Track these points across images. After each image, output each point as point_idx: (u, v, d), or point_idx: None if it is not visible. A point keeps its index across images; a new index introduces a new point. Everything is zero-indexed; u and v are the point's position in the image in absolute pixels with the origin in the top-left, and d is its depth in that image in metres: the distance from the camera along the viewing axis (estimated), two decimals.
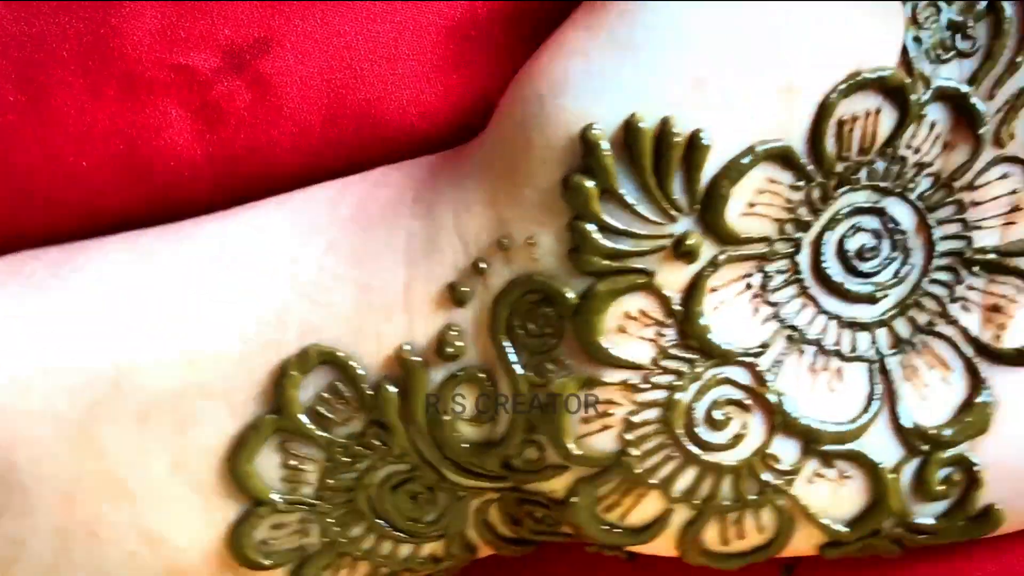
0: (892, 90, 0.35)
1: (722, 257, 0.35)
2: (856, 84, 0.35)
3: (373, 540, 0.38)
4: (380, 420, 0.37)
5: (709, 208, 0.34)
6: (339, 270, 0.37)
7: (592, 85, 0.34)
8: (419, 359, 0.36)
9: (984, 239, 0.38)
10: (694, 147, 0.34)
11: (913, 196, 0.37)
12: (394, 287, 0.36)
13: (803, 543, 0.38)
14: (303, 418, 0.36)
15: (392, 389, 0.36)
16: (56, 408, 0.36)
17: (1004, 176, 0.37)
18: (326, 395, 0.36)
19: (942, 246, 0.38)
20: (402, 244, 0.36)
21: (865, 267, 0.37)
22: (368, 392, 0.36)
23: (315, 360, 0.36)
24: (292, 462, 0.37)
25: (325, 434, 0.37)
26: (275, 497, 0.37)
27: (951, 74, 0.36)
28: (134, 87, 0.39)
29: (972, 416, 0.37)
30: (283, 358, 0.36)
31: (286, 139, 0.39)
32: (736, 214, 0.35)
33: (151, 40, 0.38)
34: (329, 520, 0.38)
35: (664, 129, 0.33)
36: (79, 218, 0.40)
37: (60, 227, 0.40)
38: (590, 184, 0.34)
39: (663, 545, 0.38)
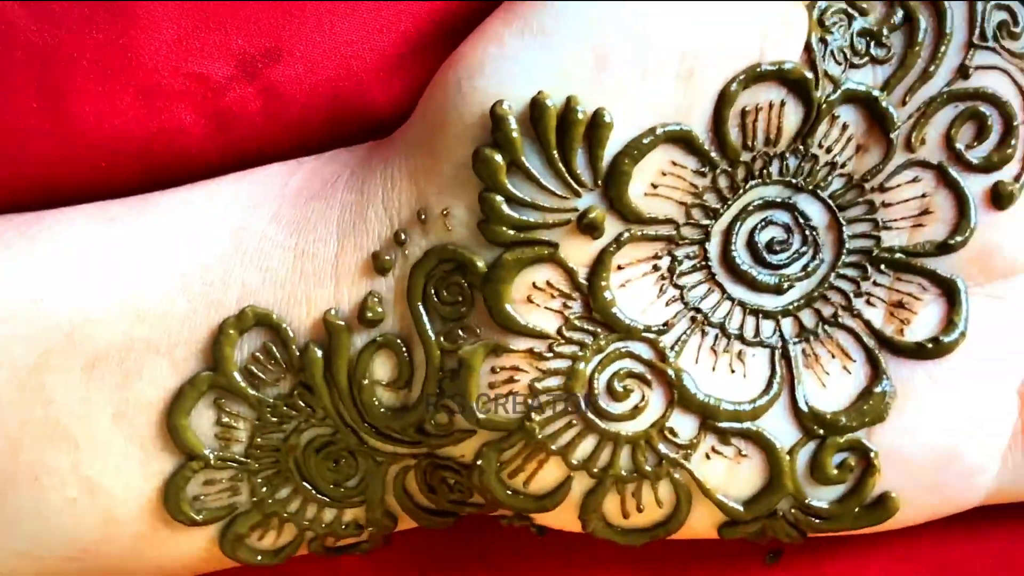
0: (794, 84, 0.36)
1: (626, 235, 0.36)
2: (756, 75, 0.36)
3: (299, 502, 0.40)
4: (306, 382, 0.38)
5: (611, 185, 0.36)
6: (279, 238, 0.38)
7: (504, 67, 0.36)
8: (343, 323, 0.37)
9: (893, 239, 0.39)
10: (596, 125, 0.35)
11: (825, 194, 0.38)
12: (326, 255, 0.38)
13: (701, 521, 0.39)
14: (237, 376, 0.38)
15: (318, 352, 0.37)
16: (11, 355, 0.38)
17: (914, 180, 0.38)
18: (259, 355, 0.38)
19: (852, 244, 0.39)
20: (336, 216, 0.38)
21: (774, 259, 0.39)
22: (296, 354, 0.38)
23: (251, 320, 0.38)
24: (225, 419, 0.38)
25: (256, 393, 0.38)
26: (208, 453, 0.38)
27: (864, 79, 0.38)
28: (151, 94, 0.40)
29: (870, 405, 0.38)
30: (223, 318, 0.38)
31: (293, 141, 0.41)
32: (639, 193, 0.36)
33: (168, 50, 0.40)
34: (258, 480, 0.39)
35: (568, 107, 0.35)
36: None
37: None
38: (498, 157, 0.35)
39: (567, 516, 0.39)
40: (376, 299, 0.38)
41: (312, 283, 0.38)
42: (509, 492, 0.39)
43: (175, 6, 0.39)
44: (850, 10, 0.38)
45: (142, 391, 0.38)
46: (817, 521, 0.39)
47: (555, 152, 0.35)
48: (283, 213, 0.39)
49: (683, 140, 0.36)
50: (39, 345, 0.38)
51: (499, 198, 0.36)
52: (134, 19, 0.39)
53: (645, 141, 0.36)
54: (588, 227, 0.36)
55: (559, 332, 0.37)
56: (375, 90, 0.40)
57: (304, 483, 0.40)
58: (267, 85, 0.40)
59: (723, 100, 0.36)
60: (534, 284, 0.37)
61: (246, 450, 0.39)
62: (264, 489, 0.40)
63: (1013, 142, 0.38)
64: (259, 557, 0.41)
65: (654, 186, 0.37)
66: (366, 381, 0.38)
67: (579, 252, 0.37)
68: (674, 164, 0.37)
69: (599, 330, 0.37)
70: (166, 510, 0.39)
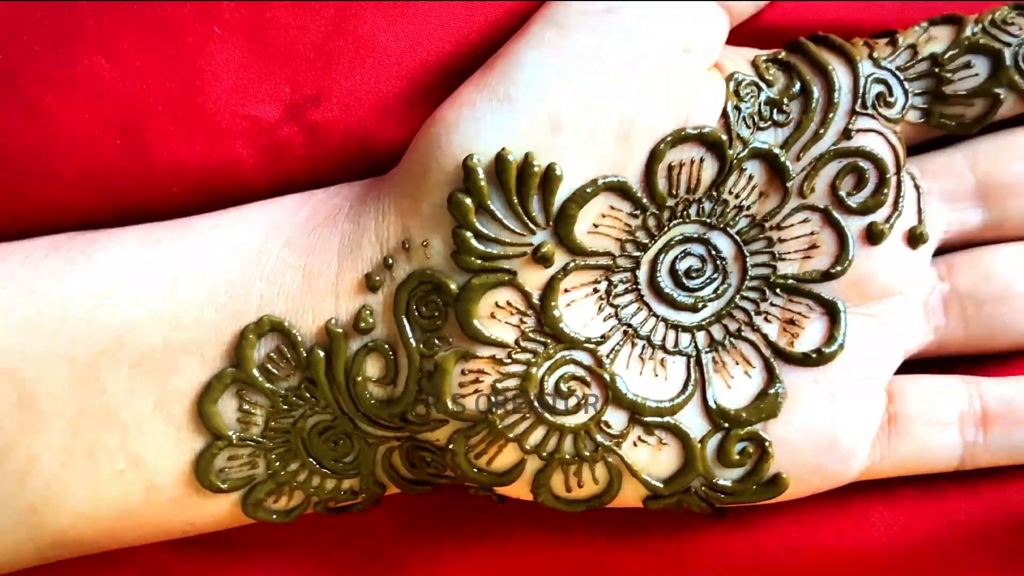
0: (712, 144, 0.40)
1: (572, 265, 0.40)
2: (681, 137, 0.40)
3: (306, 474, 0.43)
4: (311, 378, 0.41)
5: (560, 225, 0.39)
6: (291, 260, 0.42)
7: (474, 127, 0.39)
8: (341, 331, 0.41)
9: (786, 268, 0.43)
10: (549, 177, 0.39)
11: (733, 231, 0.42)
12: (328, 275, 0.41)
13: (630, 495, 0.43)
14: (255, 372, 0.41)
15: (321, 353, 0.41)
16: (72, 353, 0.41)
17: (805, 220, 0.42)
18: (273, 355, 0.41)
19: (753, 271, 0.43)
20: (337, 242, 0.41)
21: (691, 284, 0.42)
22: (304, 355, 0.41)
23: (267, 326, 0.41)
24: (245, 407, 0.42)
25: (271, 386, 0.41)
26: (231, 434, 0.41)
27: (768, 138, 0.41)
28: (214, 133, 0.43)
29: (765, 403, 0.42)
30: (244, 324, 0.41)
31: (330, 171, 0.44)
32: (583, 231, 0.40)
33: (227, 97, 0.43)
34: (272, 456, 0.42)
35: (526, 161, 0.39)
36: None
37: None
38: (468, 201, 0.39)
39: (521, 489, 0.42)
40: (368, 312, 0.41)
41: (317, 297, 0.41)
42: (475, 470, 0.42)
43: (233, 60, 0.42)
44: (759, 83, 0.41)
45: (178, 384, 0.41)
46: (723, 496, 0.42)
47: (515, 198, 0.39)
48: (295, 238, 0.42)
49: (620, 189, 0.40)
50: (94, 346, 0.41)
51: (469, 234, 0.39)
52: (199, 72, 0.42)
53: (588, 190, 0.39)
54: (541, 259, 0.40)
55: (516, 342, 0.40)
56: (398, 127, 0.43)
57: (310, 459, 0.43)
58: (309, 125, 0.43)
59: (654, 157, 0.40)
60: (496, 303, 0.40)
61: (262, 432, 0.42)
62: (277, 463, 0.43)
63: (886, 191, 0.42)
64: (274, 516, 0.44)
65: (595, 225, 0.40)
66: (359, 378, 0.41)
67: (533, 278, 0.40)
68: (612, 208, 0.40)
69: (549, 341, 0.41)
70: (197, 480, 0.42)
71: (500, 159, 0.39)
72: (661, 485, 0.42)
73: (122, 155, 0.43)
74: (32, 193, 0.43)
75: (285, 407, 0.42)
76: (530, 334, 0.41)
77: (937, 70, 0.42)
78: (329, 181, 0.44)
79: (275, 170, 0.44)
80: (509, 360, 0.41)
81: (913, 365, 0.45)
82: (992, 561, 0.45)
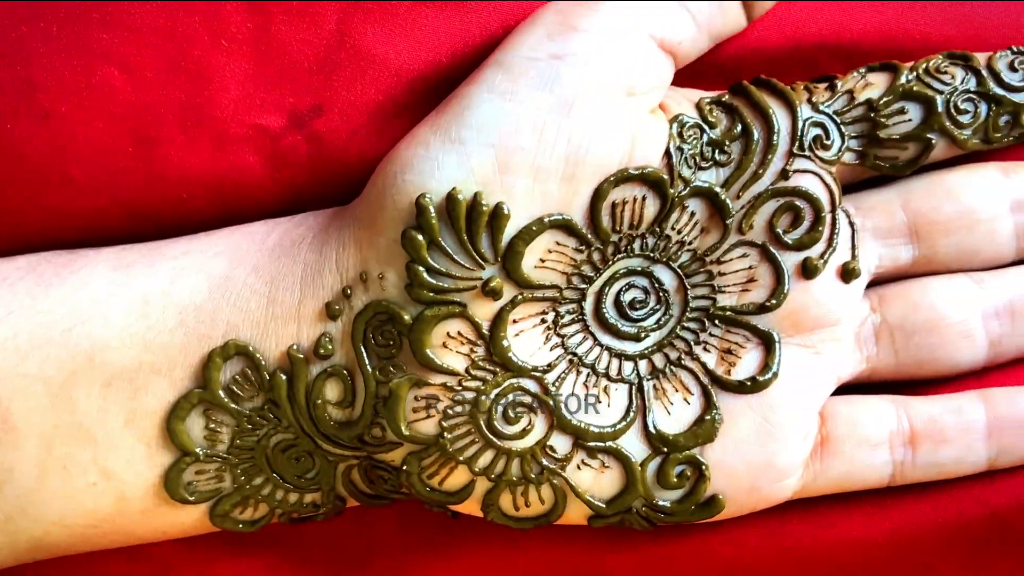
0: (654, 183, 0.41)
1: (520, 298, 0.41)
2: (624, 177, 0.41)
3: (270, 488, 0.44)
4: (274, 399, 0.42)
5: (508, 260, 0.40)
6: (256, 287, 0.43)
7: (428, 167, 0.40)
8: (302, 356, 0.42)
9: (725, 300, 0.44)
10: (497, 215, 0.40)
11: (675, 265, 0.43)
12: (291, 302, 0.42)
13: (575, 514, 0.44)
14: (221, 393, 0.42)
15: (283, 376, 0.42)
16: (45, 373, 0.42)
17: (744, 255, 0.43)
18: (238, 378, 0.42)
19: (694, 303, 0.44)
20: (300, 271, 0.42)
21: (635, 314, 0.44)
22: (267, 377, 0.42)
23: (232, 350, 0.42)
24: (212, 425, 0.43)
25: (236, 406, 0.42)
26: (198, 450, 0.43)
27: (709, 177, 0.42)
28: (222, 140, 0.44)
29: (703, 428, 0.43)
30: (211, 348, 0.42)
31: (332, 178, 0.45)
32: (530, 266, 0.41)
33: (234, 106, 0.44)
34: (238, 471, 0.43)
35: (475, 201, 0.40)
36: (180, 232, 0.46)
37: (162, 239, 0.46)
38: (420, 237, 0.40)
39: (472, 507, 0.44)
40: (328, 339, 0.42)
41: (280, 324, 0.42)
42: (428, 489, 0.43)
43: (239, 72, 0.43)
44: (703, 125, 0.42)
45: (147, 403, 0.42)
46: (663, 516, 0.44)
47: (464, 235, 0.40)
48: (260, 266, 0.43)
49: (565, 226, 0.41)
50: (67, 366, 0.42)
51: (421, 268, 0.40)
52: (208, 82, 0.43)
53: (535, 228, 0.40)
54: (490, 292, 0.41)
55: (467, 370, 0.42)
56: (394, 137, 0.44)
57: (274, 474, 0.44)
58: (312, 134, 0.45)
59: (597, 195, 0.41)
60: (448, 334, 0.41)
61: (228, 448, 0.43)
62: (243, 478, 0.44)
63: (820, 228, 0.43)
64: (240, 526, 0.45)
65: (542, 260, 0.41)
66: (319, 401, 0.42)
67: (483, 310, 0.41)
68: (558, 244, 0.41)
69: (497, 369, 0.42)
70: (166, 492, 0.43)
71: (451, 198, 0.40)
72: (604, 506, 0.44)
73: (134, 162, 0.44)
74: (48, 198, 0.44)
75: (249, 426, 0.43)
76: (480, 363, 0.42)
77: (873, 115, 0.44)
78: (331, 186, 0.45)
79: (280, 176, 0.45)
80: (460, 387, 0.42)
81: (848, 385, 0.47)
82: (968, 557, 0.47)
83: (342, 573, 0.51)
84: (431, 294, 0.41)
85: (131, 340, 0.42)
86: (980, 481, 0.46)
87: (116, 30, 0.43)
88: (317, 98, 0.44)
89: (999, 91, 0.44)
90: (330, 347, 0.42)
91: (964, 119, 0.44)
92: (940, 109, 0.43)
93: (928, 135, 0.44)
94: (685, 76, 0.44)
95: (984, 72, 0.44)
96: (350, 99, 0.44)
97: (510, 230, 0.41)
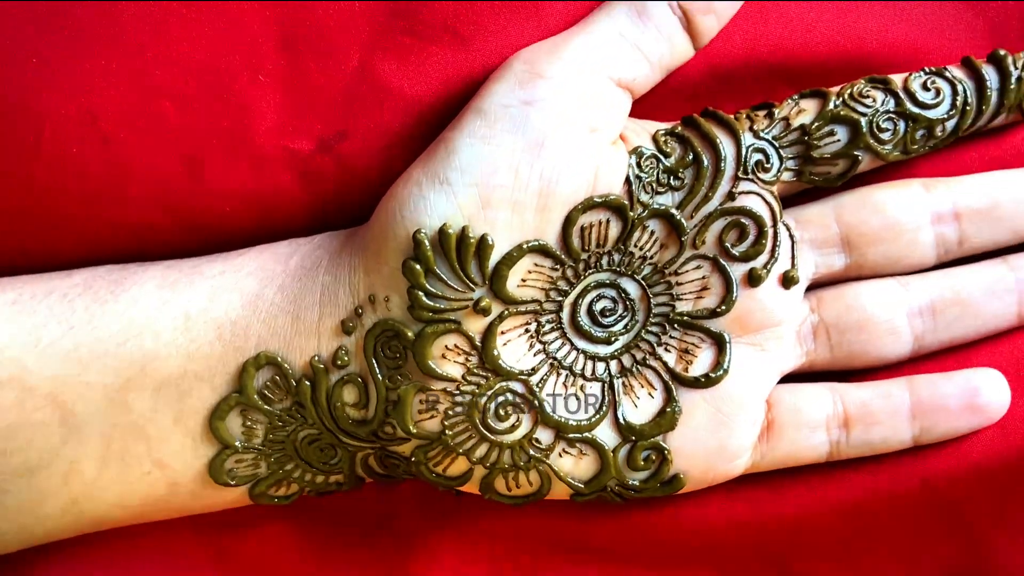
0: (616, 208, 0.45)
1: (506, 313, 0.45)
2: (590, 204, 0.44)
3: (300, 472, 0.48)
4: (300, 401, 0.46)
5: (495, 283, 0.44)
6: (283, 305, 0.46)
7: (421, 205, 0.44)
8: (323, 366, 0.45)
9: (683, 307, 0.47)
10: (483, 245, 0.43)
11: (639, 277, 0.47)
12: (312, 319, 0.46)
13: (559, 492, 0.47)
14: (255, 397, 0.45)
15: (307, 383, 0.45)
16: (104, 380, 0.45)
17: (698, 267, 0.47)
18: (269, 384, 0.45)
19: (656, 310, 0.47)
20: (318, 292, 0.46)
21: (605, 321, 0.47)
22: (294, 384, 0.45)
23: (263, 361, 0.45)
24: (248, 423, 0.46)
25: (268, 407, 0.46)
26: (237, 444, 0.46)
27: (666, 200, 0.46)
28: (260, 161, 0.47)
29: (665, 419, 0.47)
30: (245, 358, 0.45)
31: (355, 193, 0.48)
32: (514, 286, 0.44)
33: (270, 133, 0.46)
34: (271, 460, 0.47)
35: (463, 234, 0.43)
36: (224, 241, 0.49)
37: (209, 249, 0.49)
38: (418, 267, 0.43)
39: (472, 488, 0.47)
40: (344, 351, 0.45)
41: (303, 338, 0.46)
42: (434, 475, 0.46)
43: (274, 103, 0.46)
44: (659, 155, 0.46)
45: (192, 404, 0.46)
46: (632, 493, 0.47)
47: (456, 264, 0.43)
48: (285, 285, 0.46)
49: (541, 250, 0.44)
50: (123, 374, 0.45)
51: (420, 293, 0.44)
52: (247, 111, 0.46)
53: (515, 253, 0.44)
54: (481, 311, 0.44)
55: (463, 377, 0.45)
56: (409, 159, 0.47)
57: (302, 461, 0.47)
58: (338, 156, 0.47)
59: (568, 221, 0.44)
60: (446, 346, 0.44)
61: (262, 442, 0.46)
62: (276, 465, 0.47)
63: (764, 241, 0.46)
64: (275, 500, 0.48)
65: (524, 280, 0.45)
66: (339, 403, 0.45)
67: (475, 325, 0.45)
68: (536, 265, 0.45)
69: (489, 375, 0.45)
70: (211, 478, 0.47)
71: (442, 232, 0.43)
72: (583, 486, 0.47)
73: (183, 180, 0.47)
74: (108, 213, 0.47)
75: (280, 423, 0.46)
76: (474, 370, 0.46)
77: (807, 138, 0.47)
78: (355, 200, 0.48)
79: (311, 191, 0.48)
80: (458, 391, 0.45)
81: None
82: (905, 523, 0.50)
83: (365, 534, 0.54)
84: (430, 314, 0.44)
85: (177, 352, 0.46)
86: (913, 456, 0.49)
87: (167, 66, 0.45)
88: (342, 125, 0.47)
89: (915, 110, 0.47)
90: (346, 358, 0.46)
91: (885, 136, 0.47)
92: (864, 130, 0.47)
93: (855, 152, 0.47)
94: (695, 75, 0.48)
95: (901, 94, 0.47)
96: (370, 126, 0.47)
97: (495, 257, 0.44)
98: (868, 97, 0.47)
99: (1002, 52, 0.48)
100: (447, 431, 0.46)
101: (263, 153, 0.47)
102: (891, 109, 0.47)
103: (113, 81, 0.45)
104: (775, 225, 0.47)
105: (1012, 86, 0.47)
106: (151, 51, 0.45)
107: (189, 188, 0.47)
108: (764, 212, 0.47)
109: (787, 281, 0.48)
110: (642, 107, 0.48)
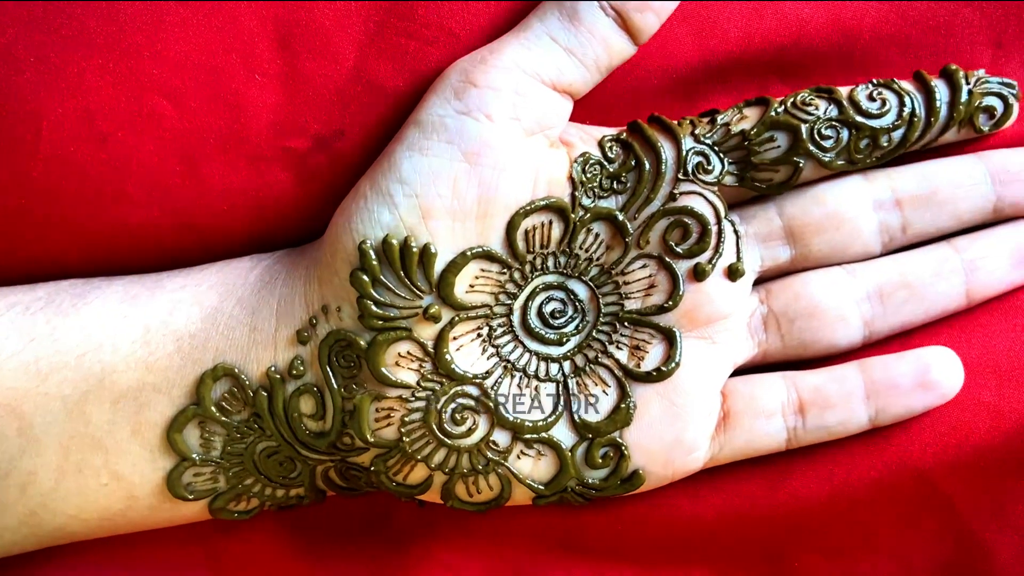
0: (557, 210, 0.46)
1: (456, 319, 0.46)
2: (532, 208, 0.45)
3: (259, 486, 0.48)
4: (258, 412, 0.46)
5: (442, 289, 0.45)
6: (241, 317, 0.47)
7: (367, 218, 0.45)
8: (279, 376, 0.46)
9: (631, 304, 0.48)
10: (426, 254, 0.44)
11: (587, 278, 0.48)
12: (268, 331, 0.47)
13: (520, 496, 0.48)
14: (213, 408, 0.46)
15: (264, 394, 0.46)
16: (63, 392, 0.46)
17: (644, 266, 0.48)
18: (227, 395, 0.46)
19: (606, 309, 0.48)
20: (275, 304, 0.47)
21: (556, 323, 0.48)
22: (251, 395, 0.46)
23: (221, 373, 0.46)
24: (205, 435, 0.47)
25: (225, 419, 0.46)
26: (195, 456, 0.47)
27: (610, 203, 0.47)
28: (257, 159, 0.48)
29: (620, 415, 0.48)
30: (203, 370, 0.46)
31: (349, 189, 0.48)
32: (462, 292, 0.45)
33: (267, 131, 0.47)
34: (230, 473, 0.48)
35: (405, 244, 0.44)
36: (221, 240, 0.50)
37: (207, 247, 0.50)
38: (365, 277, 0.44)
39: (433, 496, 0.48)
40: (299, 361, 0.46)
41: (260, 348, 0.46)
42: (394, 484, 0.47)
43: (270, 102, 0.47)
44: (603, 161, 0.47)
45: (150, 416, 0.46)
46: (594, 492, 0.48)
47: (401, 273, 0.44)
48: (244, 298, 0.47)
49: (486, 255, 0.45)
50: (81, 386, 0.46)
51: (369, 302, 0.45)
52: (244, 110, 0.47)
53: (460, 260, 0.45)
54: (431, 317, 0.45)
55: (417, 383, 0.46)
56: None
57: (261, 475, 0.48)
58: (334, 154, 0.48)
59: (511, 226, 0.45)
60: (399, 354, 0.45)
61: (220, 454, 0.47)
62: (235, 479, 0.48)
63: (708, 238, 0.47)
64: (235, 515, 0.49)
65: (472, 285, 0.46)
66: (296, 414, 0.46)
67: (426, 331, 0.45)
68: (483, 270, 0.46)
69: (443, 380, 0.46)
70: (169, 491, 0.47)
71: (386, 243, 0.45)
72: (543, 487, 0.48)
73: (181, 179, 0.48)
74: (107, 211, 0.48)
75: (238, 435, 0.47)
76: (428, 376, 0.46)
77: (746, 143, 0.48)
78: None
79: (307, 189, 0.49)
80: (413, 398, 0.46)
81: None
82: (893, 514, 0.50)
83: (360, 533, 0.55)
84: (380, 322, 0.45)
85: (135, 364, 0.47)
86: (906, 449, 0.50)
87: (164, 65, 0.46)
88: (338, 124, 0.48)
89: (858, 118, 0.47)
90: (301, 368, 0.46)
91: (827, 144, 0.47)
92: (804, 136, 0.47)
93: (796, 159, 0.48)
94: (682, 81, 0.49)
95: (845, 103, 0.47)
96: (365, 125, 0.48)
97: (439, 265, 0.45)
98: (811, 105, 0.48)
99: (953, 67, 0.48)
100: (404, 438, 0.47)
101: (260, 152, 0.48)
102: (834, 117, 0.47)
103: (110, 80, 0.46)
104: (719, 222, 0.48)
105: (962, 100, 0.48)
106: (148, 50, 0.46)
107: (187, 186, 0.48)
108: (707, 210, 0.47)
109: (733, 274, 0.48)
110: (632, 103, 0.50)
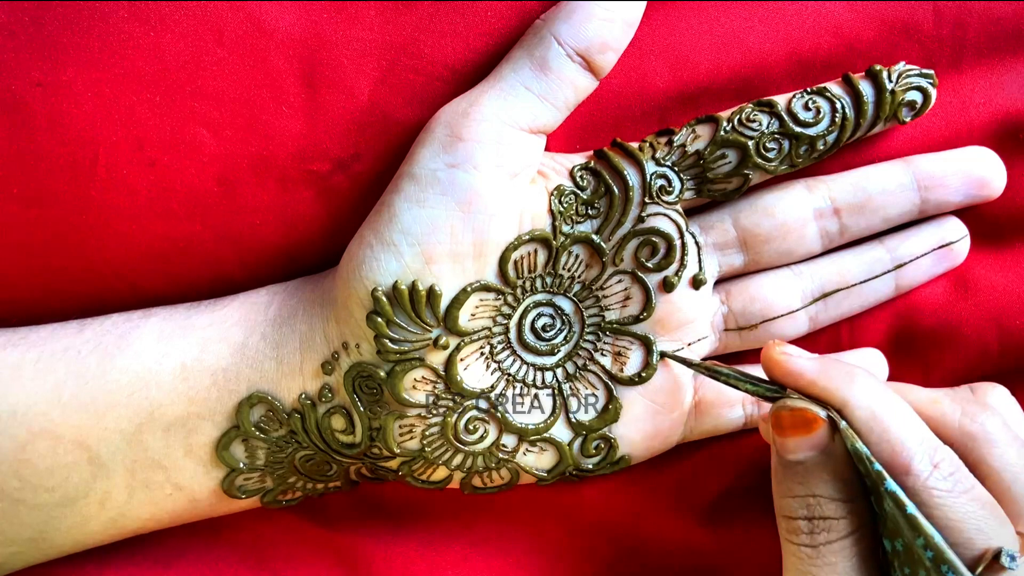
0: (541, 240, 0.48)
1: (462, 343, 0.48)
2: (520, 243, 0.47)
3: (302, 482, 0.51)
4: (294, 430, 0.49)
5: (448, 322, 0.47)
6: (267, 351, 0.49)
7: (375, 265, 0.46)
8: (310, 402, 0.48)
9: (611, 315, 0.50)
10: (432, 295, 0.46)
11: (571, 295, 0.50)
12: (295, 363, 0.49)
13: (527, 480, 0.52)
14: (253, 429, 0.49)
15: (298, 415, 0.49)
16: (120, 426, 0.48)
17: (620, 281, 0.50)
18: (264, 418, 0.49)
19: (589, 320, 0.50)
20: (298, 340, 0.49)
21: (547, 335, 0.50)
22: (285, 416, 0.49)
23: (256, 400, 0.48)
24: (249, 449, 0.49)
25: (265, 436, 0.49)
26: (242, 466, 0.50)
27: (586, 228, 0.49)
28: (285, 180, 0.50)
29: (609, 414, 0.51)
30: (239, 399, 0.48)
31: (368, 208, 0.49)
32: (465, 320, 0.47)
33: (293, 156, 0.49)
34: (275, 476, 0.51)
35: (413, 287, 0.46)
36: (254, 249, 0.51)
37: (242, 256, 0.52)
38: (380, 319, 0.46)
39: (454, 486, 0.51)
40: (327, 389, 0.48)
41: (289, 379, 0.49)
42: (420, 482, 0.50)
43: (296, 130, 0.48)
44: (576, 191, 0.49)
45: (199, 439, 0.49)
46: (588, 473, 0.52)
47: (412, 313, 0.46)
48: (267, 333, 0.49)
49: (484, 287, 0.47)
50: (135, 420, 0.48)
51: (385, 340, 0.47)
52: (272, 138, 0.48)
53: (462, 296, 0.47)
54: (440, 346, 0.47)
55: (433, 403, 0.48)
56: None
57: (302, 475, 0.51)
58: (353, 175, 0.50)
59: (503, 259, 0.47)
60: (415, 379, 0.48)
61: (264, 463, 0.50)
62: (279, 479, 0.51)
63: (672, 253, 0.49)
64: (284, 503, 0.52)
65: (473, 314, 0.48)
66: (328, 430, 0.49)
67: (437, 358, 0.48)
68: (482, 300, 0.48)
69: (456, 397, 0.48)
70: (225, 493, 0.51)
71: (396, 288, 0.46)
72: (546, 474, 0.52)
73: (218, 197, 0.50)
74: (154, 226, 0.49)
75: (278, 448, 0.50)
76: (442, 395, 0.49)
77: (702, 162, 0.49)
78: (367, 212, 0.50)
79: (329, 205, 0.51)
80: (430, 415, 0.49)
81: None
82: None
83: (376, 513, 0.58)
84: (396, 355, 0.48)
85: (179, 398, 0.49)
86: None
87: (204, 99, 0.48)
88: (355, 149, 0.49)
89: (797, 129, 0.49)
90: (330, 394, 0.49)
91: (771, 155, 0.49)
92: (752, 151, 0.49)
93: (745, 171, 0.50)
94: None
95: (784, 115, 0.49)
96: (379, 149, 0.49)
97: (444, 301, 0.47)
98: (755, 121, 0.49)
99: (878, 67, 0.49)
100: (426, 448, 0.50)
101: (287, 173, 0.50)
102: (775, 130, 0.49)
103: (157, 112, 0.48)
104: (682, 237, 0.49)
105: (887, 98, 0.49)
106: (190, 86, 0.48)
107: (223, 204, 0.50)
108: (671, 229, 0.50)
109: (696, 283, 0.51)
110: (613, 128, 0.52)
